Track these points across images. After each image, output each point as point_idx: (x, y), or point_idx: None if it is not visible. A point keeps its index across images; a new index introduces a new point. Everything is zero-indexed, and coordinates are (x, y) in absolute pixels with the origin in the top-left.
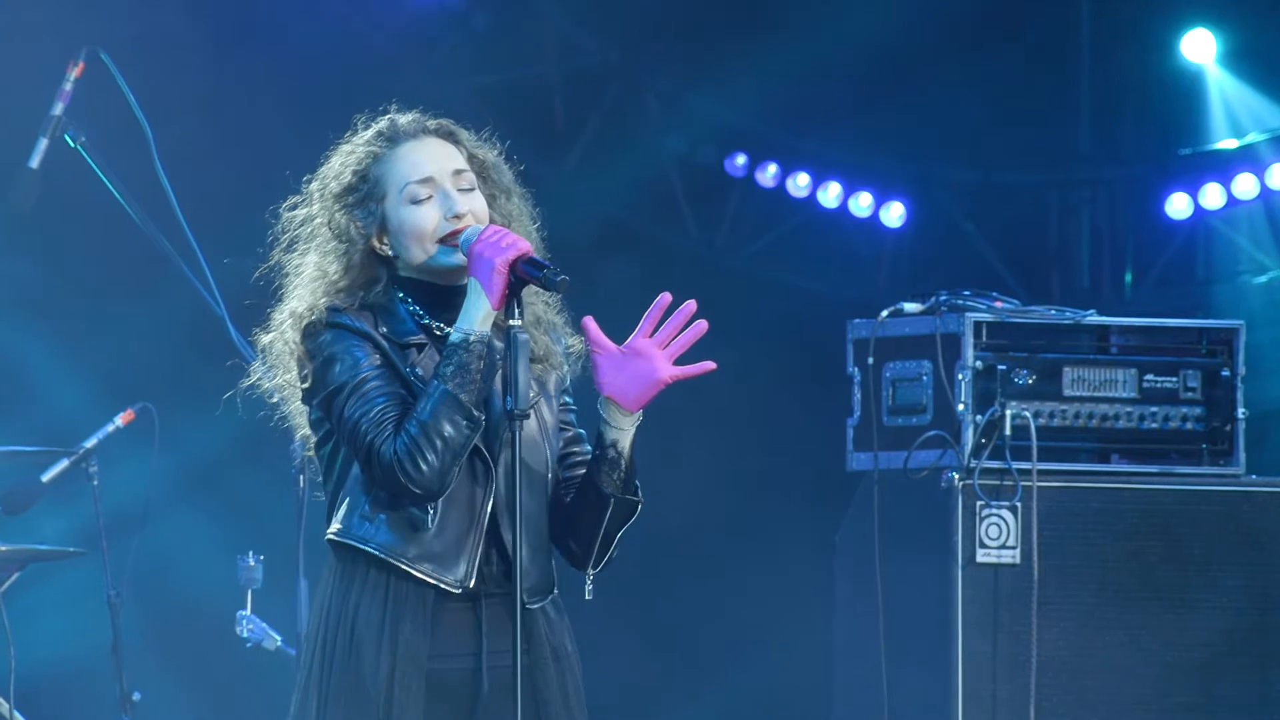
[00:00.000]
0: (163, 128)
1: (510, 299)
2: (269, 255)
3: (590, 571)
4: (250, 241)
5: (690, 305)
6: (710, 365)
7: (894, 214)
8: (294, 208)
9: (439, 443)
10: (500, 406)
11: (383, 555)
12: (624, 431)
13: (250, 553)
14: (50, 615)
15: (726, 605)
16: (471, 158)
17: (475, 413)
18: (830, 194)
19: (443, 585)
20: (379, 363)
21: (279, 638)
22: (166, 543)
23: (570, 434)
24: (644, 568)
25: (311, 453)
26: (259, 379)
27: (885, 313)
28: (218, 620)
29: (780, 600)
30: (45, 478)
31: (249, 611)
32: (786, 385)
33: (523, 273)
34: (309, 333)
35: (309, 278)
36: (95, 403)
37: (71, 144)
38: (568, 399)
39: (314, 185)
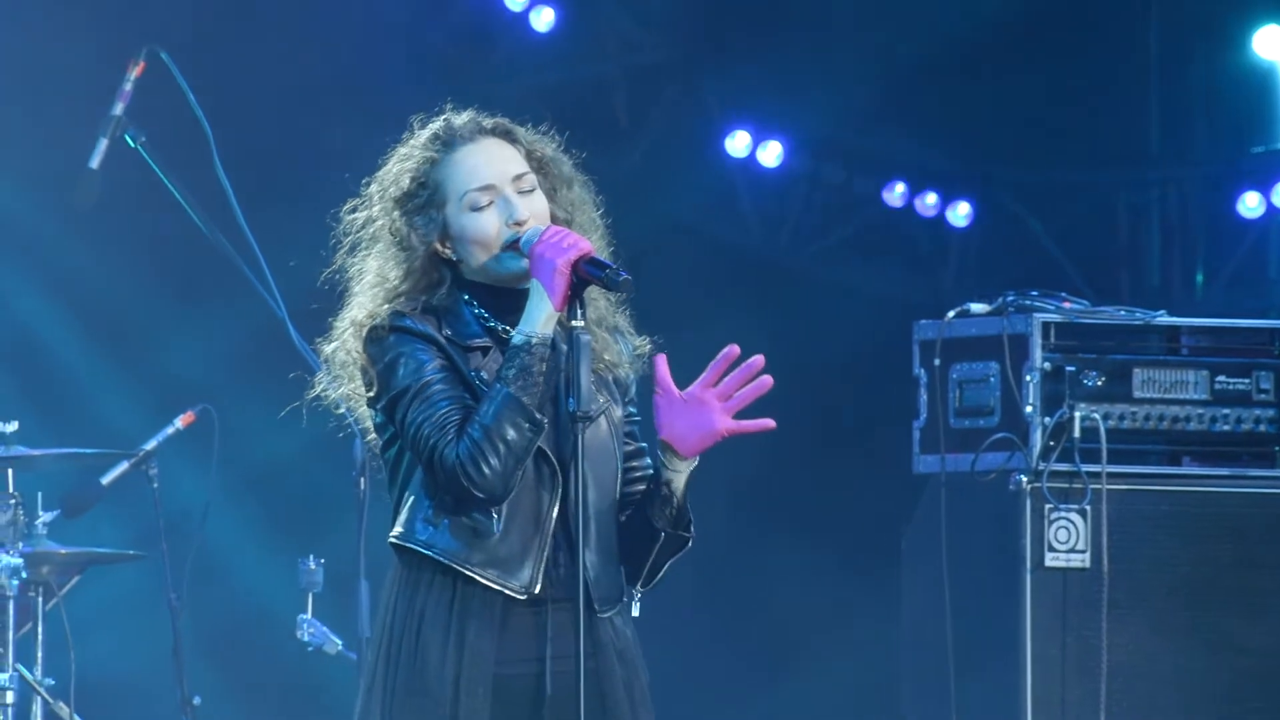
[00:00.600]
0: (222, 128)
1: (572, 300)
2: (332, 258)
3: (638, 590)
4: (311, 243)
5: (757, 361)
6: (769, 424)
7: (960, 213)
8: (354, 210)
9: (501, 446)
10: (565, 408)
11: (446, 560)
12: (678, 474)
13: (311, 556)
14: (110, 618)
15: (793, 609)
16: (530, 154)
17: (537, 415)
18: (896, 193)
19: (508, 591)
20: (442, 366)
21: (340, 642)
22: (227, 546)
23: (632, 447)
24: (709, 572)
25: (378, 455)
26: (323, 389)
27: (952, 313)
28: (278, 624)
29: (846, 604)
30: (105, 480)
31: (310, 615)
32: (851, 387)
33: (584, 273)
34: (371, 338)
35: (369, 284)
36: (155, 404)
37: (132, 144)
38: (632, 409)
39: (373, 188)
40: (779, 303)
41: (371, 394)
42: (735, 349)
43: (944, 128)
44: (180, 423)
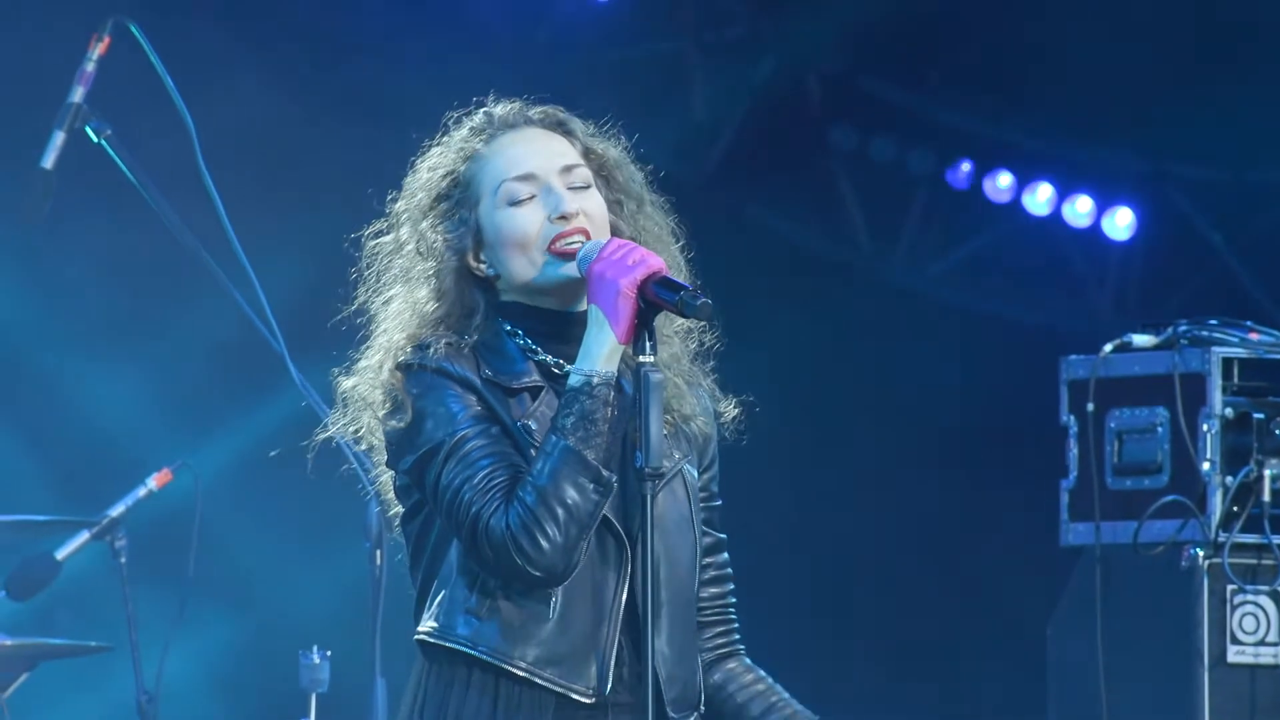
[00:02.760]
0: (206, 119)
1: (640, 330)
2: (352, 293)
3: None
4: (310, 259)
5: None
6: None
7: (1120, 222)
8: (378, 234)
9: (561, 512)
10: (632, 465)
11: (494, 661)
12: None
13: (315, 647)
14: None
15: (926, 709)
16: (588, 153)
17: (604, 473)
18: (1040, 197)
19: (573, 694)
20: (481, 416)
21: None
22: (211, 635)
23: (712, 539)
24: (836, 663)
25: (397, 529)
26: (335, 432)
27: (1109, 347)
28: None
29: (985, 704)
30: (60, 554)
31: None
32: (984, 438)
33: (654, 296)
34: (395, 383)
35: (396, 311)
36: (122, 460)
37: (95, 138)
38: (715, 488)
39: (400, 205)
40: (893, 333)
41: (393, 448)
42: None
43: (1100, 116)
44: (154, 483)
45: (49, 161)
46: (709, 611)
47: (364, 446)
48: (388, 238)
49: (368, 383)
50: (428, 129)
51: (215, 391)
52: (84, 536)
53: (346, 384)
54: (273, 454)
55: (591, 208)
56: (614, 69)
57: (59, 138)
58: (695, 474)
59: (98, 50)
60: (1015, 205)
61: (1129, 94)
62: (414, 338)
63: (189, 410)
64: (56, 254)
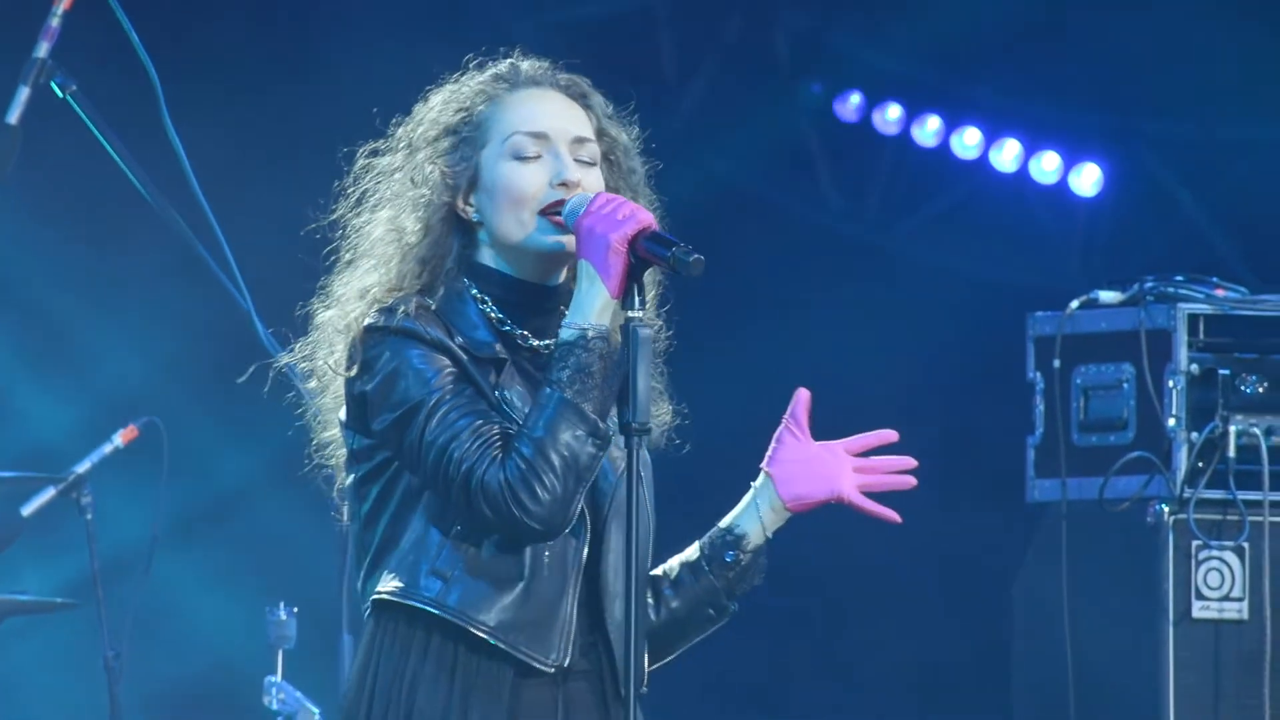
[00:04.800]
0: (174, 75)
1: (629, 285)
2: (329, 209)
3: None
4: (281, 221)
5: (911, 461)
6: (895, 517)
7: (1087, 179)
8: (374, 154)
9: (559, 464)
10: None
11: (459, 622)
12: (770, 526)
13: (281, 604)
14: (33, 681)
15: (889, 662)
16: (601, 132)
17: (601, 425)
18: (1006, 154)
19: (534, 662)
20: (456, 375)
21: (316, 710)
22: (177, 592)
23: None
24: (795, 618)
25: (341, 488)
26: (293, 360)
27: (1075, 303)
28: (241, 688)
29: (948, 658)
30: (26, 511)
31: (279, 678)
32: (951, 396)
33: (645, 251)
34: (362, 342)
35: (380, 237)
36: (89, 417)
37: (60, 94)
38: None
39: (403, 130)
40: (861, 291)
41: (356, 408)
42: (894, 436)
43: (1068, 71)
44: (120, 439)
45: (14, 117)
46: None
47: (313, 384)
48: (383, 159)
49: (338, 323)
50: (391, 89)
51: (183, 347)
52: (50, 493)
53: (323, 315)
54: (240, 380)
55: (592, 183)
56: (582, 27)
57: (24, 93)
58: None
59: (62, 6)
60: (982, 162)
61: (1095, 51)
62: (389, 287)
63: (155, 366)
64: (19, 209)
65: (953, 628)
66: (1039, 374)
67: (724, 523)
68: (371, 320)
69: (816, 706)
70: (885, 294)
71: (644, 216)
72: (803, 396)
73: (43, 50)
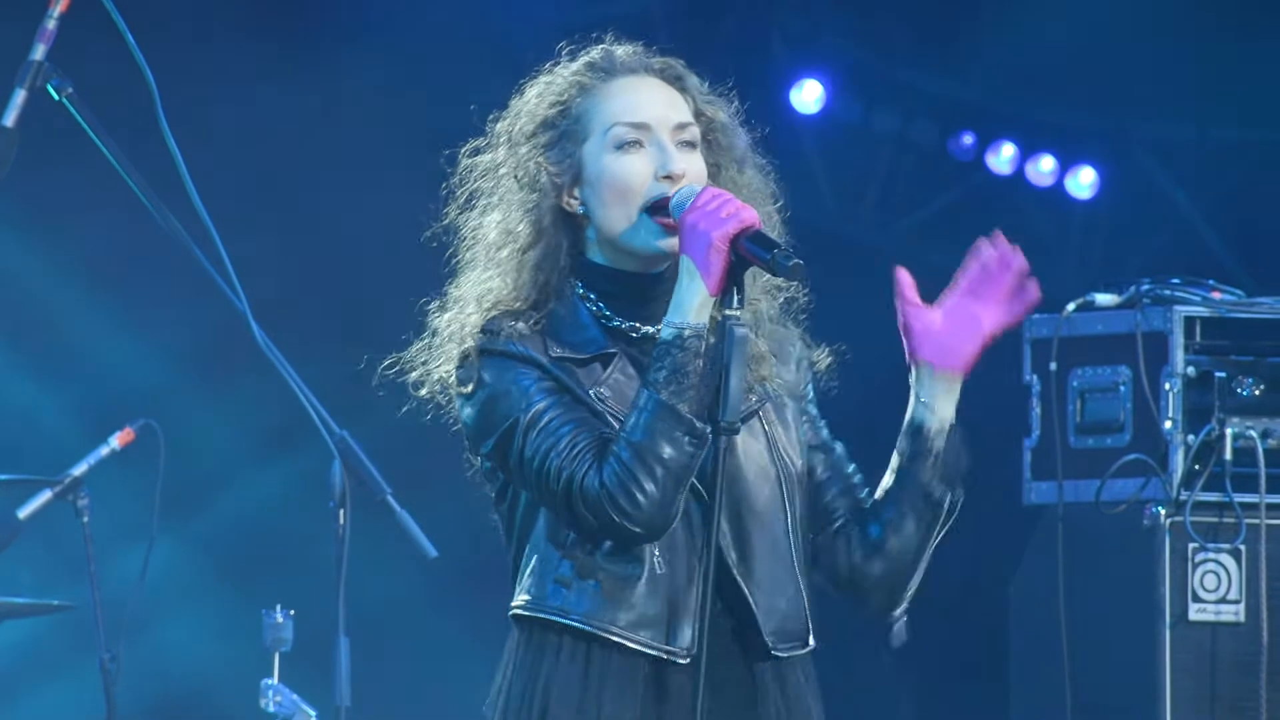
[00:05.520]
0: (169, 79)
1: (729, 283)
2: (441, 214)
3: (899, 613)
4: (279, 220)
5: (1003, 246)
6: (1034, 295)
7: (1083, 181)
8: (476, 153)
9: (658, 467)
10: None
11: (587, 627)
12: (944, 404)
13: (278, 607)
14: (28, 684)
15: (887, 664)
16: (699, 113)
17: (699, 425)
18: (1003, 156)
19: (666, 655)
20: (551, 388)
21: (313, 712)
22: (173, 594)
23: (827, 455)
24: None
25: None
26: (413, 362)
27: (1072, 306)
28: (237, 691)
29: (945, 660)
30: (23, 513)
31: (276, 680)
32: None
33: (746, 251)
34: (470, 360)
35: (493, 242)
36: (85, 420)
37: (56, 96)
38: (814, 410)
39: (501, 125)
40: (856, 291)
41: (471, 436)
42: (987, 246)
43: (1064, 74)
44: (116, 442)
45: (10, 120)
46: (842, 518)
47: (424, 391)
48: (485, 157)
49: (454, 332)
50: (392, 91)
51: (179, 349)
52: (46, 495)
53: (442, 319)
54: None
55: (696, 169)
56: (578, 30)
57: (20, 95)
58: (788, 416)
59: (58, 8)
60: (979, 164)
61: (1091, 53)
62: (508, 297)
63: (151, 369)
64: (14, 212)
65: (950, 630)
66: (1035, 376)
67: (917, 436)
68: (473, 342)
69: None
70: (882, 296)
71: (748, 215)
72: (902, 277)
73: (39, 53)
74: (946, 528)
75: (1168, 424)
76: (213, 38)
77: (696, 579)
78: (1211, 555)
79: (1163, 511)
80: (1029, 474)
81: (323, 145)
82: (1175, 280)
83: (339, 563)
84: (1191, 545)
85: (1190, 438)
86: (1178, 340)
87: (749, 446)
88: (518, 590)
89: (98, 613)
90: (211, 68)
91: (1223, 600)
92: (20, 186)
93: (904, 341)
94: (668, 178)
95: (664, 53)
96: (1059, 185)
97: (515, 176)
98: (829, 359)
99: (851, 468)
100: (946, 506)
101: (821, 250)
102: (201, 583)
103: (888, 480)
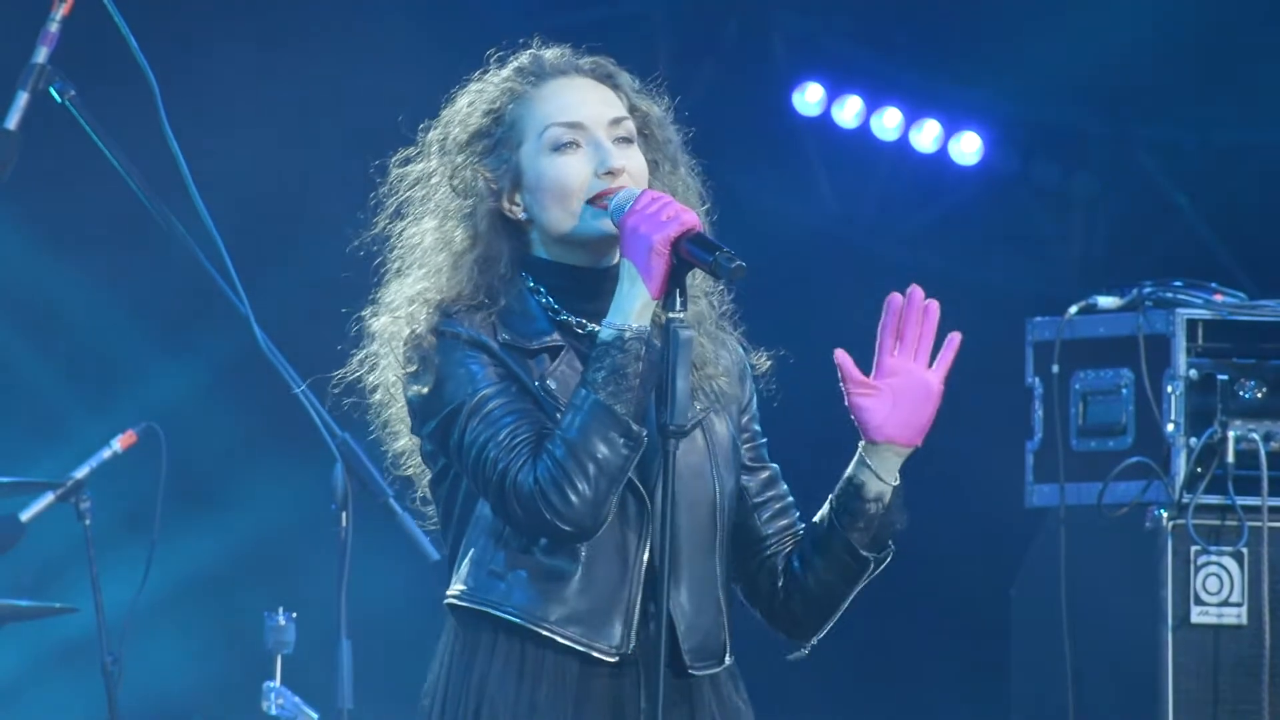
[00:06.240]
0: (172, 82)
1: (671, 286)
2: (370, 222)
3: (813, 641)
4: (278, 226)
5: (917, 291)
6: (956, 337)
7: (1085, 184)
8: (406, 162)
9: (591, 466)
10: (655, 422)
11: (520, 620)
12: (890, 474)
13: (280, 609)
14: (32, 687)
15: (888, 665)
16: (633, 108)
17: (635, 428)
18: (1004, 159)
19: (594, 653)
20: (499, 375)
21: (315, 715)
22: (175, 597)
23: (765, 474)
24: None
25: (425, 493)
26: (359, 371)
27: (1074, 308)
28: (239, 694)
29: (947, 663)
30: (25, 516)
31: (278, 683)
32: (948, 401)
33: (687, 254)
34: (424, 344)
35: (429, 248)
36: (87, 422)
37: (58, 99)
38: (756, 427)
39: (433, 134)
40: (858, 296)
41: (416, 417)
42: (898, 297)
43: (1064, 75)
44: (118, 444)
45: (12, 122)
46: (774, 544)
47: (378, 395)
48: (416, 167)
49: (396, 330)
50: (392, 93)
51: (180, 352)
52: (48, 498)
53: (378, 323)
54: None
55: (635, 165)
56: (580, 30)
57: (23, 98)
58: (725, 425)
59: (61, 11)
60: (982, 168)
61: (1093, 56)
62: (444, 292)
63: (152, 372)
64: (16, 214)
65: (952, 632)
66: (1038, 379)
67: (855, 495)
68: (425, 327)
69: (816, 709)
70: (882, 297)
71: (688, 218)
72: (842, 360)
73: (41, 56)
74: (873, 577)
75: (1170, 427)
76: (213, 38)
77: (629, 579)
78: (1214, 558)
79: (1165, 514)
80: (1031, 477)
81: (323, 145)
82: (1177, 283)
83: (341, 565)
84: (1194, 548)
85: (1192, 440)
86: (1180, 343)
87: (689, 457)
88: (454, 579)
89: (99, 615)
90: (212, 68)
91: (1225, 603)
92: (21, 186)
93: (856, 422)
94: (608, 173)
95: (665, 55)
96: (1061, 188)
97: (450, 184)
98: (768, 362)
99: (784, 489)
100: (872, 565)
101: (822, 252)
102: (203, 585)
103: (820, 519)
